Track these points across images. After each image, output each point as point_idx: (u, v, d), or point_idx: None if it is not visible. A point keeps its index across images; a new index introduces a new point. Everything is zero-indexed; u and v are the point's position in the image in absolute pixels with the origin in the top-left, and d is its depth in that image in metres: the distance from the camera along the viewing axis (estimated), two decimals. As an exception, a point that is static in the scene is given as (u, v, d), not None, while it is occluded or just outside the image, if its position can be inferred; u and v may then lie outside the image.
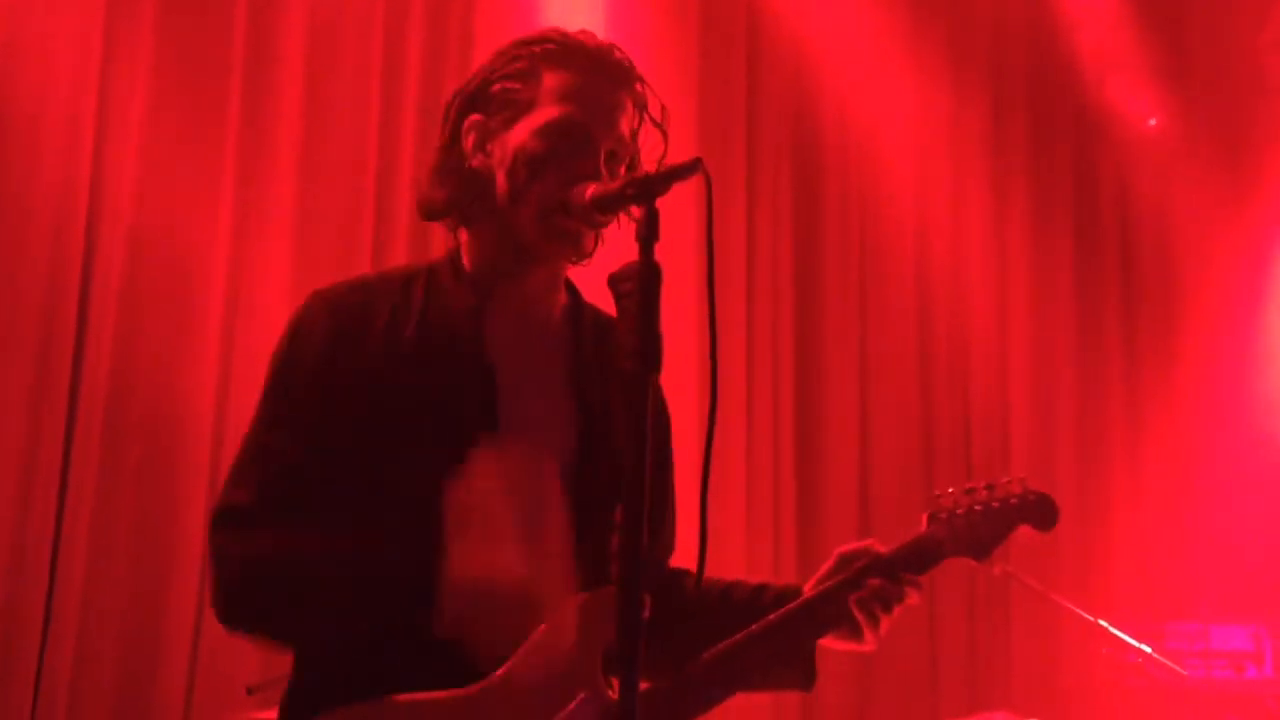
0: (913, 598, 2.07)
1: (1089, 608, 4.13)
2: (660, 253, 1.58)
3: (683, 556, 2.13)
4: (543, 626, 1.79)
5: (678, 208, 1.78)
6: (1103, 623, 4.06)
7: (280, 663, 3.29)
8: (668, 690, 1.90)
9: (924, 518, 2.24)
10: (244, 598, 1.86)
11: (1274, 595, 5.15)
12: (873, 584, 2.04)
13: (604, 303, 1.81)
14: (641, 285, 1.53)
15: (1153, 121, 6.11)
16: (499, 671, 1.78)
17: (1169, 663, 4.10)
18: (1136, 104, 6.11)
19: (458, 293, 1.93)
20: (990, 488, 2.29)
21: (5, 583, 3.94)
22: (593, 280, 1.91)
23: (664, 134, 1.96)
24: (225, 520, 1.87)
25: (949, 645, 5.50)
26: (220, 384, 4.32)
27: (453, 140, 1.95)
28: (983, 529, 2.24)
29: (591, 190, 1.76)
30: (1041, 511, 2.31)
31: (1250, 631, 4.69)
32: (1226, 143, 6.19)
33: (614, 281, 1.57)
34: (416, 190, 1.98)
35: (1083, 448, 5.93)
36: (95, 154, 4.23)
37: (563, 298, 2.00)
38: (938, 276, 5.82)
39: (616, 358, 1.53)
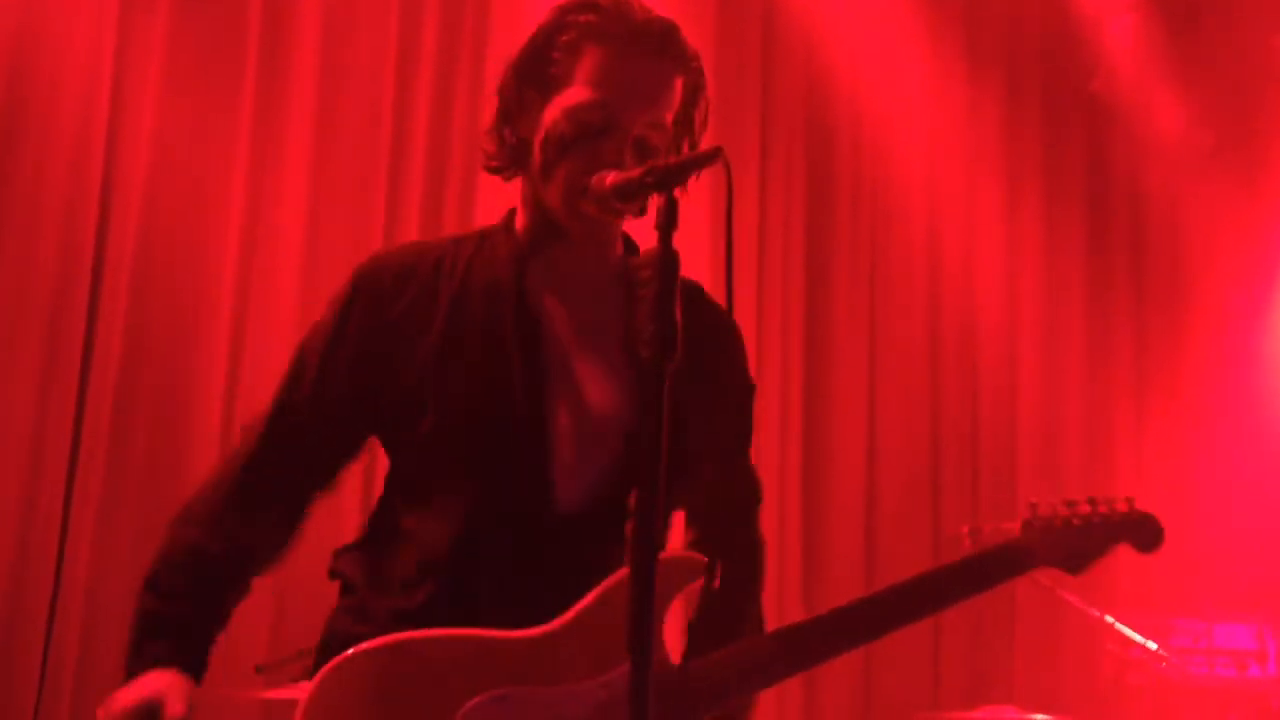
0: None
1: (1094, 604, 4.12)
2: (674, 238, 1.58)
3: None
4: (611, 579, 1.79)
5: (692, 193, 1.78)
6: (1108, 618, 4.06)
7: (290, 643, 3.30)
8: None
9: (1018, 524, 2.18)
10: None
11: (1278, 594, 5.14)
12: None
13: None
14: (659, 274, 1.53)
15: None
16: (567, 616, 1.79)
17: (1173, 659, 4.10)
18: (1149, 98, 6.09)
19: (505, 243, 1.96)
20: (1092, 501, 2.23)
21: (11, 569, 3.94)
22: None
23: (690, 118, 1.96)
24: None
25: (952, 639, 5.50)
26: (230, 373, 4.31)
27: (508, 107, 1.96)
28: (1079, 542, 2.19)
29: (612, 178, 1.76)
30: (1146, 531, 2.26)
31: (1254, 630, 4.69)
32: (1238, 136, 6.17)
33: (632, 269, 1.56)
34: (481, 144, 2.01)
35: (1089, 442, 5.92)
36: (109, 139, 4.22)
37: (619, 251, 1.99)
38: (949, 267, 5.82)
39: (635, 344, 1.52)
